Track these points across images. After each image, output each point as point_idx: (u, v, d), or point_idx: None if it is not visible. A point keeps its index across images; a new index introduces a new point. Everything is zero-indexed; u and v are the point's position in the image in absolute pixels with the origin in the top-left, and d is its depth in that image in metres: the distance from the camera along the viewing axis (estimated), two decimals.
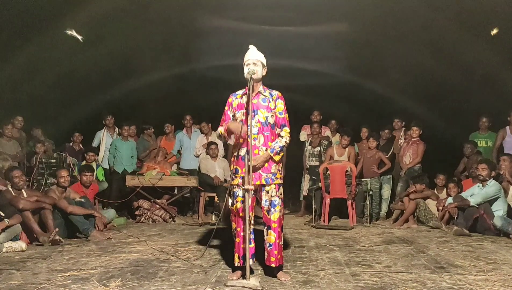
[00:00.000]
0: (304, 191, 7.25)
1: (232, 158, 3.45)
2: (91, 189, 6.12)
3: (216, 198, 7.15)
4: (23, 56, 6.88)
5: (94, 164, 7.14)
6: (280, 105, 3.39)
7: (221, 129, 3.42)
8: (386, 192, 7.05)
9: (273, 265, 3.32)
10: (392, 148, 7.19)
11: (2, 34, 6.34)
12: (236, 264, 3.35)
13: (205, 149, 7.33)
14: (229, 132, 3.37)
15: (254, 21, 6.72)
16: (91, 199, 5.97)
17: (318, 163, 7.20)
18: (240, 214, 3.30)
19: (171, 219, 6.74)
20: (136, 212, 6.80)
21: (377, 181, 6.84)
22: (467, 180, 6.44)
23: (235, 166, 3.39)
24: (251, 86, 3.21)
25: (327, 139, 7.39)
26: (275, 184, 3.33)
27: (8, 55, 6.73)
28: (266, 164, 3.31)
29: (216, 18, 6.75)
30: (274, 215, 3.32)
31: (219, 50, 7.61)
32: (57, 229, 4.78)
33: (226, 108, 3.49)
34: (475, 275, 3.39)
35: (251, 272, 3.38)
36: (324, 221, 6.37)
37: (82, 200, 5.50)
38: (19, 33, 6.46)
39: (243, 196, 3.25)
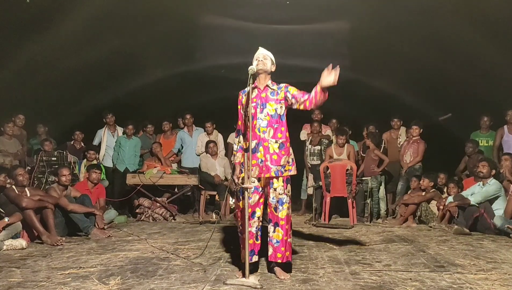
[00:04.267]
0: (309, 190, 7.24)
1: (242, 152, 3.45)
2: (97, 187, 6.08)
3: (216, 197, 7.17)
4: (23, 54, 6.88)
5: (94, 163, 7.16)
6: (292, 88, 3.40)
7: (234, 150, 3.54)
8: (381, 190, 7.06)
9: (279, 261, 3.33)
10: (383, 144, 7.16)
11: (3, 32, 6.33)
12: (243, 261, 3.34)
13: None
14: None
15: (255, 19, 6.69)
16: (96, 199, 5.97)
17: (319, 162, 7.19)
18: (249, 210, 3.28)
19: (172, 217, 6.75)
20: (137, 210, 6.81)
21: (374, 180, 6.83)
22: (468, 179, 6.43)
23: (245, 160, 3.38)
24: (250, 84, 3.24)
25: (327, 138, 7.39)
26: (283, 178, 3.32)
27: (9, 53, 6.73)
28: (276, 156, 3.30)
29: (218, 16, 6.72)
30: (282, 213, 3.33)
31: (221, 48, 7.60)
32: (64, 239, 4.80)
33: (238, 106, 3.52)
34: (475, 274, 3.39)
35: (256, 269, 3.39)
36: (324, 219, 6.37)
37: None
38: (19, 31, 6.45)
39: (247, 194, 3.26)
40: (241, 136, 3.49)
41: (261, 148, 3.31)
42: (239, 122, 3.51)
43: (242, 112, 3.49)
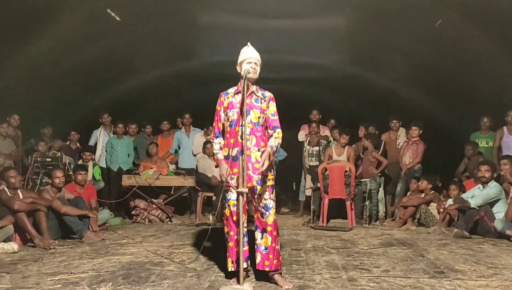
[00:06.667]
0: (307, 192, 7.15)
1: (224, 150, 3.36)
2: (86, 189, 5.94)
3: (214, 198, 7.08)
4: (20, 54, 6.80)
5: (91, 163, 7.07)
6: (273, 107, 3.31)
7: (215, 150, 3.38)
8: (380, 191, 6.97)
9: (267, 269, 3.23)
10: (382, 145, 7.08)
11: (1, 31, 6.26)
12: (229, 269, 3.26)
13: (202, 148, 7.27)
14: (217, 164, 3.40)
15: (251, 15, 6.60)
16: (86, 200, 5.86)
17: (317, 163, 7.11)
18: (234, 218, 3.21)
19: (168, 219, 6.66)
20: (133, 212, 6.73)
21: (373, 182, 6.74)
22: (469, 180, 6.35)
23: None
24: (245, 85, 3.11)
25: (325, 139, 7.30)
26: (267, 186, 3.23)
27: (6, 54, 6.65)
28: (258, 165, 3.21)
29: (215, 13, 6.64)
30: (269, 219, 3.23)
31: (218, 47, 7.52)
32: (56, 242, 4.72)
33: (218, 107, 3.39)
34: (475, 280, 3.30)
35: (247, 276, 3.31)
36: (322, 221, 6.29)
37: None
38: (17, 32, 6.38)
39: (236, 199, 3.16)
40: (221, 137, 3.39)
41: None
42: (219, 124, 3.37)
43: (221, 114, 3.36)
